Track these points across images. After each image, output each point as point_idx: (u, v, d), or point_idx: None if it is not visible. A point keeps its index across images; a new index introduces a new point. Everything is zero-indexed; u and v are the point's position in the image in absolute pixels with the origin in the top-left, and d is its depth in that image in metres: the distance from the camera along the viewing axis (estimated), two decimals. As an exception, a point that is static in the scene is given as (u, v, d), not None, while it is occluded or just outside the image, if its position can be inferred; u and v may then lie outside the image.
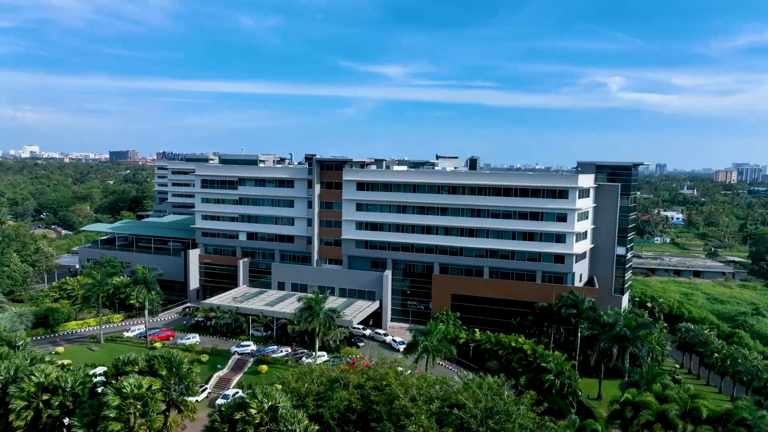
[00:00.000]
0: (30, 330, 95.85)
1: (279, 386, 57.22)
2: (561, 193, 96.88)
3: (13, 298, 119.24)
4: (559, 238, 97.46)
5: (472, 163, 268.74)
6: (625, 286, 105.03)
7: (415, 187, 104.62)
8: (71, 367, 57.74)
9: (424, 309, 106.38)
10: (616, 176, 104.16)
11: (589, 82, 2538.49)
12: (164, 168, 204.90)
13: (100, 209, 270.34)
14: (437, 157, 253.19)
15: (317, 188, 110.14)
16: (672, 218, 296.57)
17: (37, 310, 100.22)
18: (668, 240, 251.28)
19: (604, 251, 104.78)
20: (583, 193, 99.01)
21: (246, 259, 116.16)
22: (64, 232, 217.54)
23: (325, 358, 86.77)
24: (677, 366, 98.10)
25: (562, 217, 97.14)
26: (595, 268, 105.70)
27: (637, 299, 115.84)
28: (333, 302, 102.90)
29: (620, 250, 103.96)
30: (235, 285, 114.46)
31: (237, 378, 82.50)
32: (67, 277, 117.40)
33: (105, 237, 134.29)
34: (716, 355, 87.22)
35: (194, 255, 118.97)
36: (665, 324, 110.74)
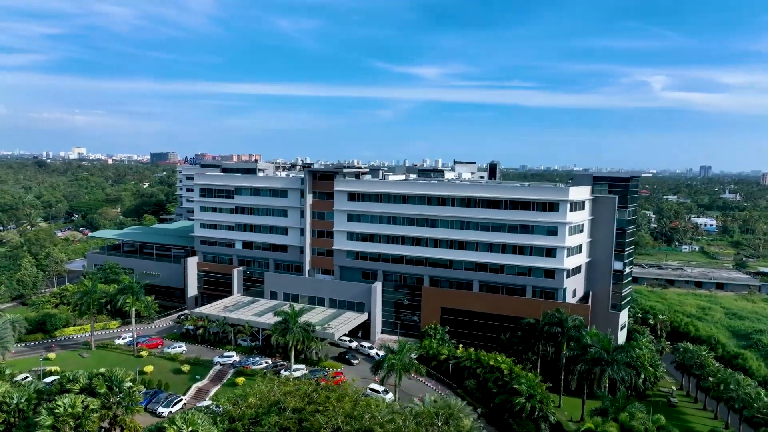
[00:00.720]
0: (26, 335, 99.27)
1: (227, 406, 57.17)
2: (551, 206, 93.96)
3: (23, 302, 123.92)
4: (550, 252, 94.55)
5: (492, 169, 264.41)
6: (623, 302, 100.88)
7: (405, 198, 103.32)
8: (24, 382, 59.06)
9: (415, 322, 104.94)
10: (614, 188, 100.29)
11: (631, 82, 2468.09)
12: (183, 172, 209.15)
13: (127, 212, 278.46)
14: (455, 162, 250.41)
15: (309, 198, 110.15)
16: (704, 225, 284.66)
17: (36, 315, 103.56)
18: (697, 248, 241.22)
19: (601, 266, 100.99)
20: (576, 206, 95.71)
21: (240, 268, 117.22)
22: (90, 234, 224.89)
23: (303, 371, 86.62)
24: (674, 388, 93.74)
25: (552, 231, 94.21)
26: (591, 284, 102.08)
27: (639, 315, 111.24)
28: (322, 313, 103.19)
29: (617, 265, 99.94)
30: (231, 293, 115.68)
31: (215, 389, 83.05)
32: (67, 283, 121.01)
33: (114, 243, 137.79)
34: (711, 378, 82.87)
35: (192, 263, 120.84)
36: (667, 342, 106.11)
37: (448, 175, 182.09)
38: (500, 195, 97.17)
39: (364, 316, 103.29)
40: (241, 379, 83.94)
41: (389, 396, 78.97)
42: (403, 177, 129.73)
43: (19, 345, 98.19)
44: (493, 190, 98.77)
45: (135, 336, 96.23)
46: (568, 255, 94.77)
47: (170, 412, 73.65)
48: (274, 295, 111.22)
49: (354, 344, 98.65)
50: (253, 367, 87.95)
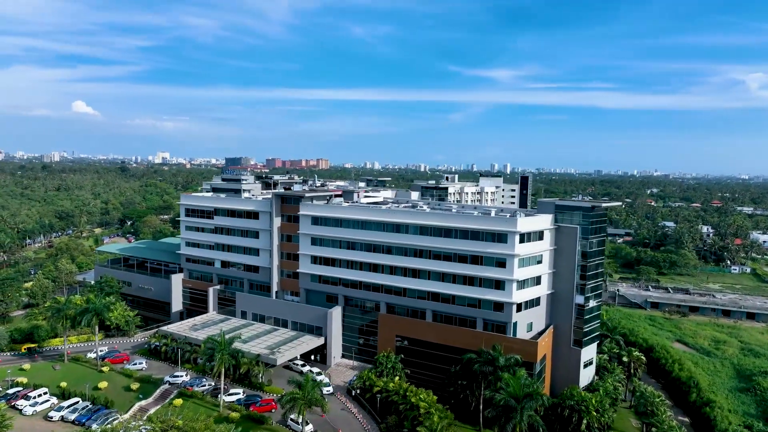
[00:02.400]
0: (15, 345, 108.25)
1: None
2: (500, 237, 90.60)
3: (30, 312, 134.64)
4: (499, 284, 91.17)
5: (523, 182, 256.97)
6: (586, 338, 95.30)
7: (363, 224, 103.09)
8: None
9: (372, 348, 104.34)
10: (577, 217, 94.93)
11: (723, 81, 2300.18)
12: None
13: (174, 219, 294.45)
14: (480, 175, 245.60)
15: (277, 221, 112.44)
16: (766, 242, 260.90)
17: (27, 326, 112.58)
18: (749, 270, 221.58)
19: (564, 299, 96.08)
20: (530, 236, 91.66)
21: (216, 287, 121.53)
22: (97, 249, 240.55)
23: (239, 396, 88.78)
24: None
25: (501, 263, 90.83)
26: (554, 317, 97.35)
27: (615, 351, 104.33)
28: (281, 335, 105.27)
29: (579, 299, 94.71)
30: (208, 311, 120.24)
31: (155, 409, 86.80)
32: (75, 295, 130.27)
33: (118, 257, 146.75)
34: (653, 429, 76.90)
35: (177, 279, 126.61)
36: (640, 382, 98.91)
37: (451, 189, 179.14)
38: (451, 224, 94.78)
39: (320, 341, 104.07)
40: (179, 401, 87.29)
41: (309, 428, 79.46)
42: (381, 198, 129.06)
43: (7, 354, 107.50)
44: (444, 218, 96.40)
45: (98, 352, 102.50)
46: (519, 288, 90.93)
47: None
48: (244, 315, 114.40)
49: (306, 369, 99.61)
50: (195, 389, 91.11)
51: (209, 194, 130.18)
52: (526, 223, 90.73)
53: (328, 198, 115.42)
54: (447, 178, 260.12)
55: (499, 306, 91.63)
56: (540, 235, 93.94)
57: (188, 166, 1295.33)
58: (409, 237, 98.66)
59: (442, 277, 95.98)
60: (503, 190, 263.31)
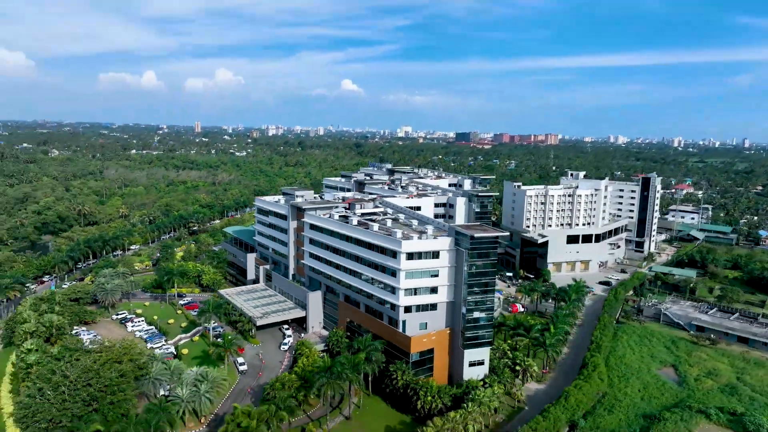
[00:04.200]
0: (153, 289, 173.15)
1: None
2: (393, 254, 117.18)
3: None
4: (393, 290, 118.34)
5: (645, 184, 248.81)
6: (469, 343, 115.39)
7: (331, 233, 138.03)
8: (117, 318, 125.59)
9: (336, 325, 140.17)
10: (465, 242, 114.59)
11: None
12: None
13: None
14: (570, 175, 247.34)
15: (293, 224, 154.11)
16: None
17: (157, 278, 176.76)
18: None
19: (457, 308, 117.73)
20: (420, 255, 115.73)
21: (266, 266, 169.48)
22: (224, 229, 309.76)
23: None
24: None
25: (393, 273, 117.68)
26: (453, 321, 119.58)
27: (510, 357, 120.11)
28: (282, 305, 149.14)
29: (463, 309, 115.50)
30: (258, 282, 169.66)
31: (184, 341, 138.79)
32: (202, 259, 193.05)
33: (232, 236, 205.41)
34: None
35: (251, 257, 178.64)
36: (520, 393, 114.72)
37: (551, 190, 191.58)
38: (370, 240, 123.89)
39: (302, 313, 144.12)
40: (197, 338, 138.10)
41: (240, 359, 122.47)
42: (380, 209, 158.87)
43: (147, 294, 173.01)
44: (365, 234, 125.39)
45: (177, 300, 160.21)
46: (407, 294, 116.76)
47: (152, 347, 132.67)
48: (275, 288, 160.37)
49: (289, 331, 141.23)
50: (211, 332, 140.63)
51: (276, 197, 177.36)
52: (412, 245, 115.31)
53: (331, 209, 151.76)
54: (571, 175, 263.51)
55: (393, 306, 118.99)
56: (435, 255, 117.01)
57: (420, 141, 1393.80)
58: (352, 246, 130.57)
59: (371, 280, 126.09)
60: (621, 191, 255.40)
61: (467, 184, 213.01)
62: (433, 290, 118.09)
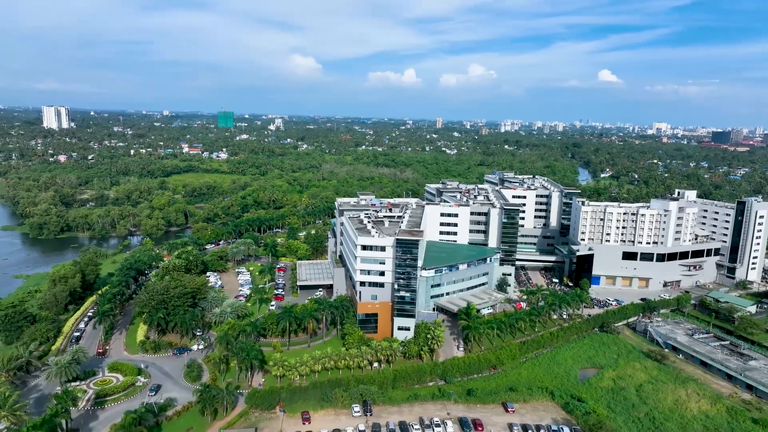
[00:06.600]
0: (261, 253, 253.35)
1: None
2: (355, 245, 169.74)
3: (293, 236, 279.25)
4: (354, 270, 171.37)
5: (740, 207, 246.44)
6: (397, 313, 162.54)
7: (346, 228, 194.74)
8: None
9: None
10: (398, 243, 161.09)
11: None
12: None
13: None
14: (677, 193, 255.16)
15: (340, 219, 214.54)
16: None
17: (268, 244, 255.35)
18: None
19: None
20: (371, 248, 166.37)
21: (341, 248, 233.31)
22: None
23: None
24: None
25: (355, 258, 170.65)
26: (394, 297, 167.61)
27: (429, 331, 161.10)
28: (324, 274, 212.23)
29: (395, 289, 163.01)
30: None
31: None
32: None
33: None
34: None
35: (331, 242, 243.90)
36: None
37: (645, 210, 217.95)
38: (350, 233, 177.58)
39: (330, 281, 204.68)
40: (269, 286, 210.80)
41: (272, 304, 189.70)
42: (397, 213, 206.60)
43: (251, 259, 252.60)
44: (350, 229, 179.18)
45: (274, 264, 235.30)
46: (362, 274, 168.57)
47: (242, 288, 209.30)
48: (331, 264, 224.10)
49: (320, 292, 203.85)
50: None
51: (356, 198, 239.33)
52: (365, 240, 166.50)
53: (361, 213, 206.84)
54: (678, 193, 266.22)
55: (353, 282, 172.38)
56: (383, 248, 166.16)
57: (665, 140, 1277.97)
58: (350, 237, 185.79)
59: (351, 261, 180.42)
60: (716, 213, 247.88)
61: (555, 197, 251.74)
62: (381, 273, 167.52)
